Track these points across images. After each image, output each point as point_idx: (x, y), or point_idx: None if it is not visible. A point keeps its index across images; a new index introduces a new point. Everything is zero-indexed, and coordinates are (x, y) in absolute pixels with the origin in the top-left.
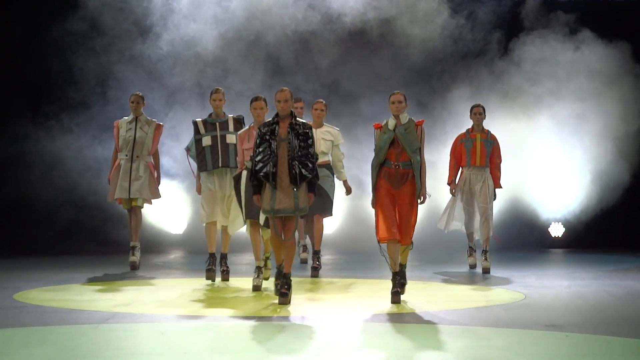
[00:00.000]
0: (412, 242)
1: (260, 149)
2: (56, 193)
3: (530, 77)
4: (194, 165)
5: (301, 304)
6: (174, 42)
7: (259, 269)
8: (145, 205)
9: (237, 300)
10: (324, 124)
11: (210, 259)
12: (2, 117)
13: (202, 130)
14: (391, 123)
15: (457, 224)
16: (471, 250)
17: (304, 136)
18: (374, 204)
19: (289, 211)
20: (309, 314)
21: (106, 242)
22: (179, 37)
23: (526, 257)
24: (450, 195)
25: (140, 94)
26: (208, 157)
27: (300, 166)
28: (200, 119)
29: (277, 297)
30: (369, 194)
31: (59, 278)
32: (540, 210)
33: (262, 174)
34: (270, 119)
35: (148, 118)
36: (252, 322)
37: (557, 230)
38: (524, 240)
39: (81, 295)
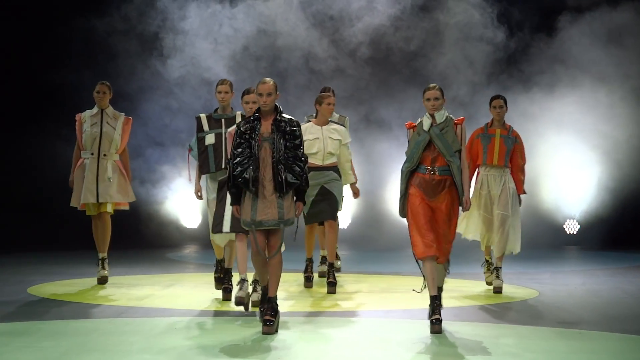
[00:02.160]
0: (449, 261)
1: (239, 150)
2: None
3: (543, 74)
4: (194, 165)
5: (316, 299)
6: (185, 63)
7: (255, 283)
8: (161, 203)
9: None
10: (330, 120)
11: (226, 275)
12: (22, 124)
13: (205, 127)
14: (426, 123)
15: (476, 235)
16: (489, 265)
17: (291, 135)
18: (403, 213)
19: (272, 223)
20: (322, 309)
21: (121, 239)
22: (191, 58)
23: (540, 254)
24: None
25: (107, 83)
26: (211, 158)
27: (286, 171)
28: (204, 114)
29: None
30: (384, 193)
31: (74, 272)
32: (556, 207)
33: (240, 179)
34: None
35: (115, 111)
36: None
37: (572, 227)
38: (538, 237)
39: (95, 290)
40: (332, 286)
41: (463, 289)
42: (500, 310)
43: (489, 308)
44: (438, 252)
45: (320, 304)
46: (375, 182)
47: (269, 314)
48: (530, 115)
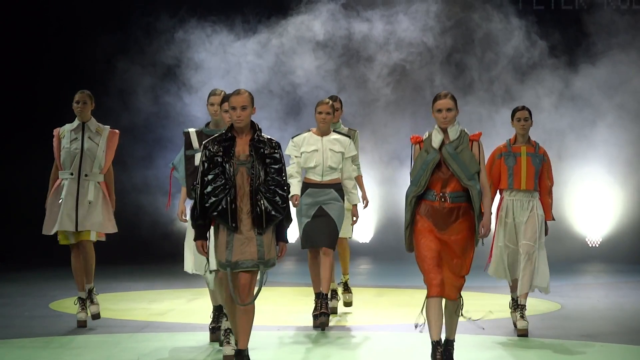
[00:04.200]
0: (461, 298)
1: (210, 177)
2: None
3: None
4: (176, 185)
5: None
6: (201, 97)
7: (228, 333)
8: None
9: (273, 308)
10: (333, 131)
11: (215, 315)
12: (40, 149)
13: (195, 144)
14: (436, 139)
15: (507, 274)
16: (515, 305)
17: (272, 159)
18: (410, 247)
19: (250, 264)
20: (342, 324)
21: (142, 253)
22: (205, 93)
23: (563, 266)
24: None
25: (88, 92)
26: None
27: (266, 202)
28: (193, 129)
29: None
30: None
31: (96, 287)
32: (578, 219)
33: (215, 213)
34: (223, 132)
35: (99, 124)
36: (287, 332)
37: (594, 240)
38: (560, 249)
39: (117, 304)
40: (323, 317)
41: (484, 302)
42: None
43: (507, 321)
44: (445, 292)
45: (341, 319)
46: (397, 195)
47: None
48: (556, 129)
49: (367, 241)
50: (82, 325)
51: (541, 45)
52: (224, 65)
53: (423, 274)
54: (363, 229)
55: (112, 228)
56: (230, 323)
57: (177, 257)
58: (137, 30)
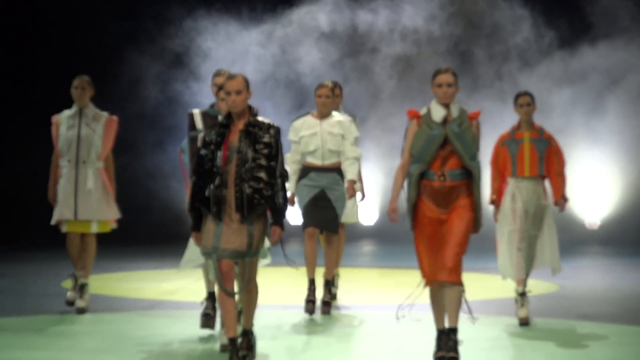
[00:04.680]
0: (463, 285)
1: (202, 164)
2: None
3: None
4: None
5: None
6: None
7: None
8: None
9: (280, 288)
10: (334, 113)
11: (209, 301)
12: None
13: (199, 124)
14: (438, 113)
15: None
16: (522, 300)
17: (262, 143)
18: (413, 227)
19: (236, 254)
20: (344, 304)
21: (162, 237)
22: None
23: (561, 249)
24: (498, 225)
25: (87, 78)
26: None
27: (248, 188)
28: (198, 110)
29: None
30: None
31: (106, 266)
32: (577, 202)
33: (199, 199)
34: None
35: (97, 111)
36: (289, 311)
37: (593, 223)
38: (559, 232)
39: (128, 283)
40: (326, 305)
41: (482, 282)
42: None
43: (509, 301)
44: (445, 275)
45: (343, 298)
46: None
47: (244, 348)
48: (558, 112)
49: (372, 223)
50: (81, 312)
51: (549, 35)
52: (230, 54)
53: (423, 261)
54: (368, 212)
55: (115, 214)
56: (222, 316)
57: (187, 239)
58: (146, 18)
